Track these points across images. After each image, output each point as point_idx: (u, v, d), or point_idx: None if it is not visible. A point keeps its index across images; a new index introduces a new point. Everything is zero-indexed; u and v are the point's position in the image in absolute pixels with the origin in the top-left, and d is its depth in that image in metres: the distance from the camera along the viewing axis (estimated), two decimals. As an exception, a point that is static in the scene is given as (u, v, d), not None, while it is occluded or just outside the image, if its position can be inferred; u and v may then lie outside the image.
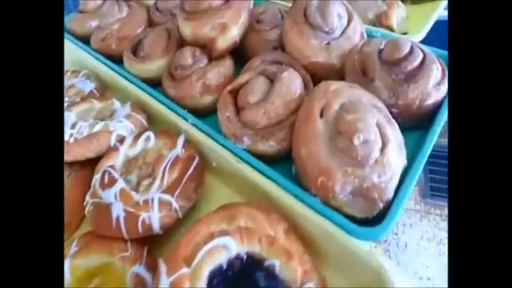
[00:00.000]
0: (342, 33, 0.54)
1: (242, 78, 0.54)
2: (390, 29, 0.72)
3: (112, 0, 0.83)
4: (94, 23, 0.79)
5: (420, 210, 0.80)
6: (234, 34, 0.59)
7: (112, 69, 0.67)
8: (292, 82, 0.50)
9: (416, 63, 0.46)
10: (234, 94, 0.53)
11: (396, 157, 0.39)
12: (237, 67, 0.62)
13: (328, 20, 0.53)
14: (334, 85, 0.44)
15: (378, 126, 0.39)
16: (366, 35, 0.56)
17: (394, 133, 0.41)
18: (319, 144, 0.40)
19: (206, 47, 0.61)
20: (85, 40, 0.77)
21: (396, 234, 0.75)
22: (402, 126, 0.43)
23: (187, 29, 0.61)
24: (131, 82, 0.63)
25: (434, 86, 0.46)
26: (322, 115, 0.42)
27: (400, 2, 0.79)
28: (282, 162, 0.47)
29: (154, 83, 0.64)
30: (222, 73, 0.58)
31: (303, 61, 0.54)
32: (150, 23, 0.79)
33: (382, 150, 0.38)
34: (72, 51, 0.75)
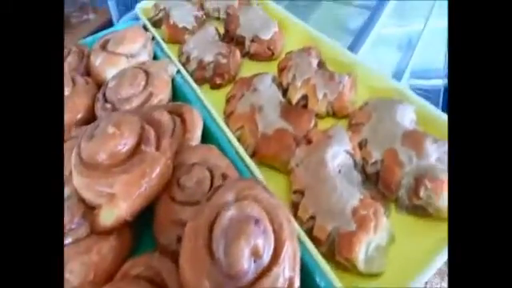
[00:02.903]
0: (257, 280, 0.33)
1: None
2: (352, 264, 0.41)
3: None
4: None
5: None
6: (122, 210, 0.40)
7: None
8: None
9: None
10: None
11: None
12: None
13: (233, 260, 0.32)
14: None
15: None
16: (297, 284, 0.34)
17: None
18: None
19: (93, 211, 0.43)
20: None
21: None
22: None
23: (75, 181, 0.44)
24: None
25: None
26: None
27: (382, 221, 0.42)
28: None
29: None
30: (91, 264, 0.40)
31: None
32: (93, 111, 0.63)
33: None
34: None
